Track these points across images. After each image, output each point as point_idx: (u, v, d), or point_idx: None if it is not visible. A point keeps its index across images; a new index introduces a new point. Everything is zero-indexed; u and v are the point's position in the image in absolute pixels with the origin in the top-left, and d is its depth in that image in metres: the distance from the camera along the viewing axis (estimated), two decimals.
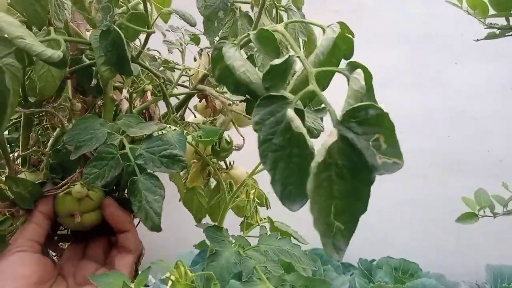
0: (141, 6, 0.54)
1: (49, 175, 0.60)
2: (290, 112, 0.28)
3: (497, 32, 1.07)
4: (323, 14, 2.26)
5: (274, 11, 0.66)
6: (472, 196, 1.34)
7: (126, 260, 0.54)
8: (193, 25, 0.58)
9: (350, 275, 2.02)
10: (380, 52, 2.16)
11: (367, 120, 0.27)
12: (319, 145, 0.28)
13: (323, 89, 0.38)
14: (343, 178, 0.28)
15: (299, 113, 0.30)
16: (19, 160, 0.70)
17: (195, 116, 0.77)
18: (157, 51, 0.77)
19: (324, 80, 0.38)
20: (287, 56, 0.32)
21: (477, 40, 1.12)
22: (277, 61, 0.32)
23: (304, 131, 0.27)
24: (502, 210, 1.30)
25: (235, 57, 0.36)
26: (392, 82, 2.19)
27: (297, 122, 0.28)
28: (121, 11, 0.52)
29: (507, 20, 1.04)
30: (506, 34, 1.06)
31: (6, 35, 0.40)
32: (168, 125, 0.55)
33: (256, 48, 0.36)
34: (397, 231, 2.26)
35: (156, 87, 0.60)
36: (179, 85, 0.74)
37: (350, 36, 0.38)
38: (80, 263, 0.57)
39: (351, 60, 0.32)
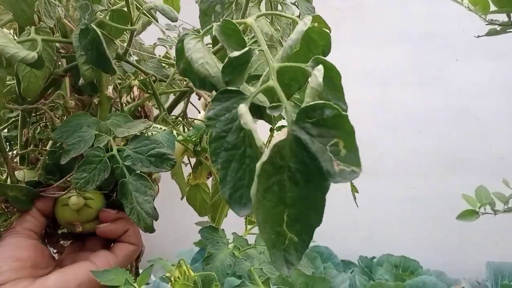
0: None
1: (45, 176, 0.60)
2: (242, 108, 0.26)
3: (498, 28, 1.06)
4: (324, 11, 2.24)
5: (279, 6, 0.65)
6: (473, 194, 1.33)
7: (125, 249, 0.54)
8: (173, 20, 0.56)
9: (351, 273, 2.01)
10: (382, 50, 2.16)
11: (323, 120, 0.25)
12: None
13: (299, 87, 0.35)
14: (296, 183, 0.26)
15: (258, 110, 0.29)
16: (17, 158, 0.71)
17: (199, 112, 0.77)
18: (164, 46, 0.76)
19: (300, 77, 0.35)
20: (246, 49, 0.30)
21: (478, 36, 1.11)
22: (236, 53, 0.30)
23: (253, 129, 0.25)
24: (503, 207, 1.29)
25: (194, 48, 0.34)
26: (394, 80, 2.18)
27: (246, 118, 0.26)
28: (101, 8, 0.51)
29: (508, 16, 1.03)
30: (508, 30, 1.05)
31: None
32: (155, 125, 0.54)
33: (220, 41, 0.34)
34: (397, 229, 2.26)
35: (140, 80, 0.60)
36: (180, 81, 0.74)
37: (327, 31, 0.36)
38: (79, 254, 0.57)
39: (316, 56, 0.30)
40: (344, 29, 2.05)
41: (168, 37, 0.76)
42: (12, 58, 0.40)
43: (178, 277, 0.55)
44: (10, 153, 0.76)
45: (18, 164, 0.72)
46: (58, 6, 0.53)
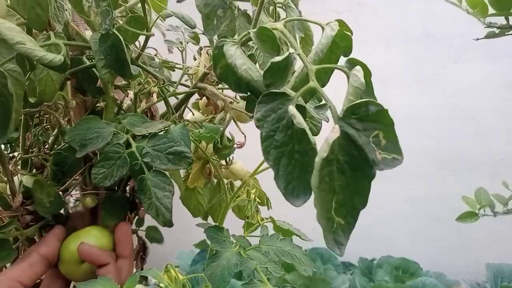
0: (140, 5, 0.54)
1: (51, 182, 0.60)
2: (292, 109, 0.29)
3: (497, 31, 1.07)
4: (323, 13, 2.27)
5: (272, 8, 0.66)
6: (472, 195, 1.34)
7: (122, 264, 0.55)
8: (193, 27, 0.58)
9: (351, 274, 2.02)
10: (380, 51, 2.17)
11: (368, 116, 0.28)
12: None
13: (323, 85, 0.38)
14: (344, 173, 0.28)
15: (301, 109, 0.30)
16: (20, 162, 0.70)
17: (193, 114, 0.77)
18: (155, 49, 0.77)
19: (324, 77, 0.38)
20: (287, 54, 0.33)
21: (477, 39, 1.12)
22: (277, 59, 0.33)
23: (306, 127, 0.28)
24: (503, 209, 1.30)
25: (236, 55, 0.36)
26: (392, 81, 2.19)
27: (299, 118, 0.28)
28: (119, 13, 0.52)
29: (507, 19, 1.04)
30: (506, 33, 1.06)
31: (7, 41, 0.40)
32: (170, 123, 0.55)
33: (257, 46, 0.36)
34: (397, 230, 2.26)
35: (160, 87, 0.61)
36: (180, 84, 0.75)
37: (349, 34, 0.39)
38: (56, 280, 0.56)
39: (350, 57, 0.33)
40: None
41: (177, 39, 0.77)
42: (40, 61, 0.40)
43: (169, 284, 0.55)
44: (11, 154, 0.76)
45: (20, 168, 0.72)
46: (66, 10, 0.54)
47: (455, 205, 1.34)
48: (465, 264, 2.11)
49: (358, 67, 0.31)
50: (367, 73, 0.33)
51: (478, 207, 1.33)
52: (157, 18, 0.53)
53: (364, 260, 2.13)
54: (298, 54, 0.34)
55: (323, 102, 0.50)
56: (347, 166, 0.28)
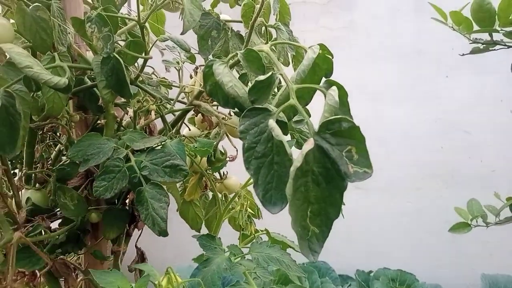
0: (137, 28, 0.58)
1: (53, 195, 0.64)
2: (272, 122, 0.32)
3: (481, 47, 1.11)
4: (316, 31, 2.32)
5: (263, 28, 0.69)
6: (465, 206, 1.36)
7: None
8: (187, 51, 0.61)
9: (348, 287, 2.03)
10: (373, 67, 2.21)
11: (340, 132, 0.30)
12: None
13: (306, 103, 0.41)
14: (319, 184, 0.31)
15: (282, 124, 0.33)
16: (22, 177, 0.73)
17: (189, 129, 0.81)
18: (152, 67, 0.81)
19: (306, 96, 0.41)
20: (270, 74, 0.36)
21: (463, 54, 1.16)
22: (261, 77, 0.36)
23: (283, 139, 0.31)
24: (495, 220, 1.32)
25: (223, 73, 0.39)
26: (386, 96, 2.23)
27: (277, 131, 0.31)
28: (119, 36, 0.55)
29: (490, 35, 1.08)
30: (490, 48, 1.10)
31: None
32: (167, 138, 0.59)
33: (243, 66, 0.40)
34: (394, 243, 2.28)
35: (158, 105, 0.64)
36: (177, 101, 0.78)
37: (330, 57, 0.42)
38: None
39: (328, 78, 0.36)
40: (336, 48, 2.08)
41: (174, 59, 0.81)
42: (46, 84, 0.44)
43: (166, 285, 0.57)
44: (12, 172, 0.79)
45: (24, 183, 0.74)
46: (69, 33, 0.58)
47: (449, 217, 1.36)
48: (460, 275, 2.12)
49: (334, 87, 0.34)
50: (343, 93, 0.36)
51: (470, 218, 1.34)
52: (154, 43, 0.57)
53: (361, 273, 2.14)
54: (281, 74, 0.37)
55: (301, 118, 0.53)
56: (321, 178, 0.31)
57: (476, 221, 1.33)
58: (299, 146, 0.65)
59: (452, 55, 1.99)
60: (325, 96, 0.34)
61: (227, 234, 0.82)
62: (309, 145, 0.30)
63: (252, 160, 0.33)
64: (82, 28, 0.56)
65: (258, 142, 0.33)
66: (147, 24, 0.56)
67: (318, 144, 0.31)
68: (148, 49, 0.55)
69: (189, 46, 0.61)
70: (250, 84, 0.56)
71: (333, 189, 0.31)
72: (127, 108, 0.67)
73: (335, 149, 0.30)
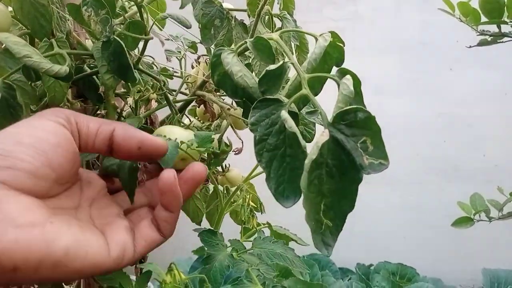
0: (137, 16, 0.56)
1: None
2: (284, 114, 0.30)
3: (489, 39, 1.09)
4: (320, 22, 2.29)
5: (267, 18, 0.68)
6: (468, 201, 1.35)
7: (153, 237, 0.42)
8: (188, 27, 0.59)
9: (348, 280, 2.03)
10: (376, 60, 2.19)
11: (356, 122, 0.29)
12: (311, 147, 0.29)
13: (316, 93, 0.40)
14: (333, 176, 0.30)
15: (293, 115, 0.32)
16: None
17: (190, 121, 0.79)
18: (152, 57, 0.79)
19: (317, 86, 0.40)
20: (281, 63, 0.34)
21: (470, 47, 1.14)
22: (272, 67, 0.34)
23: (297, 131, 0.29)
24: (498, 215, 1.31)
25: (233, 62, 0.37)
26: (388, 89, 2.21)
27: (290, 123, 0.30)
28: (118, 21, 0.53)
29: (499, 27, 1.06)
30: (498, 41, 1.08)
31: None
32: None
33: (253, 55, 0.38)
34: (394, 236, 2.27)
35: (159, 93, 0.62)
36: (180, 92, 0.76)
37: (341, 45, 0.40)
38: (104, 197, 0.44)
39: (341, 67, 0.34)
40: None
41: (176, 48, 0.79)
42: (47, 73, 0.42)
43: (170, 281, 0.56)
44: None
45: None
46: (68, 20, 0.56)
47: (451, 212, 1.35)
48: (461, 270, 2.12)
49: (348, 76, 0.32)
50: (357, 82, 0.34)
51: (473, 212, 1.34)
52: (154, 22, 0.55)
53: (362, 266, 2.14)
54: (292, 63, 0.35)
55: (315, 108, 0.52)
56: (335, 170, 0.30)
57: (479, 216, 1.33)
58: (304, 138, 0.63)
59: (457, 48, 1.98)
60: (338, 86, 0.32)
61: (228, 225, 0.81)
62: (324, 136, 0.28)
63: (264, 153, 0.32)
64: (80, 15, 0.54)
65: (270, 134, 0.32)
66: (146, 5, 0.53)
67: (333, 135, 0.29)
68: (148, 30, 0.53)
69: (190, 24, 0.59)
70: (254, 74, 0.55)
71: (348, 181, 0.30)
72: (127, 98, 0.65)
73: (350, 140, 0.29)
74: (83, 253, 0.34)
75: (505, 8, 0.99)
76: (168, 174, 0.39)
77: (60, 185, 0.37)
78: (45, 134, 0.35)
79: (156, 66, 0.79)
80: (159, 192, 0.40)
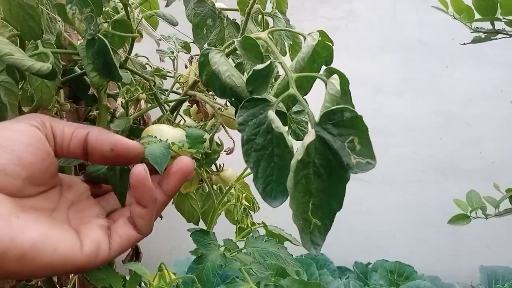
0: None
1: None
2: (272, 114, 0.30)
3: (483, 36, 1.09)
4: (315, 20, 2.29)
5: (260, 17, 0.67)
6: (464, 199, 1.35)
7: (128, 234, 0.41)
8: (175, 24, 0.59)
9: (346, 279, 2.03)
10: (373, 59, 2.19)
11: (342, 122, 0.29)
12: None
13: (305, 93, 0.40)
14: (320, 176, 0.30)
15: (281, 115, 0.32)
16: None
17: (185, 121, 0.79)
18: (146, 57, 0.79)
19: (305, 85, 0.40)
20: (268, 62, 0.34)
21: (464, 44, 1.14)
22: (259, 66, 0.34)
23: (284, 131, 0.29)
24: (494, 212, 1.31)
25: (220, 62, 0.37)
26: (386, 88, 2.21)
27: (277, 122, 0.30)
28: (103, 20, 0.53)
29: (492, 24, 1.06)
30: (492, 38, 1.08)
31: None
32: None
33: (241, 55, 0.38)
34: (392, 235, 2.28)
35: (149, 93, 0.62)
36: (172, 92, 0.76)
37: (330, 44, 0.40)
38: (87, 200, 0.44)
39: (329, 66, 0.34)
40: (335, 38, 2.07)
41: (168, 48, 0.79)
42: (29, 70, 0.41)
43: (156, 284, 0.55)
44: None
45: None
46: (58, 21, 0.56)
47: (449, 209, 1.35)
48: (459, 267, 2.12)
49: (335, 76, 0.32)
50: (344, 82, 0.34)
51: (470, 209, 1.33)
52: (140, 19, 0.55)
53: (359, 265, 2.14)
54: (280, 63, 0.35)
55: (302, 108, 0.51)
56: (323, 170, 0.30)
57: (476, 213, 1.33)
58: (297, 136, 0.63)
59: (453, 45, 1.98)
60: (326, 85, 0.32)
61: (226, 226, 0.80)
62: (310, 136, 0.28)
63: (252, 153, 0.32)
64: (64, 12, 0.54)
65: (257, 134, 0.32)
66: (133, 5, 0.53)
67: (319, 135, 0.29)
68: (135, 28, 0.53)
69: (176, 21, 0.59)
70: (246, 74, 0.55)
71: (335, 180, 0.30)
72: (118, 98, 0.65)
73: (337, 140, 0.29)
74: (52, 248, 0.34)
75: (499, 4, 0.99)
76: (139, 169, 0.39)
77: (35, 186, 0.38)
78: (15, 134, 0.36)
79: (150, 66, 0.79)
80: (131, 187, 0.40)
